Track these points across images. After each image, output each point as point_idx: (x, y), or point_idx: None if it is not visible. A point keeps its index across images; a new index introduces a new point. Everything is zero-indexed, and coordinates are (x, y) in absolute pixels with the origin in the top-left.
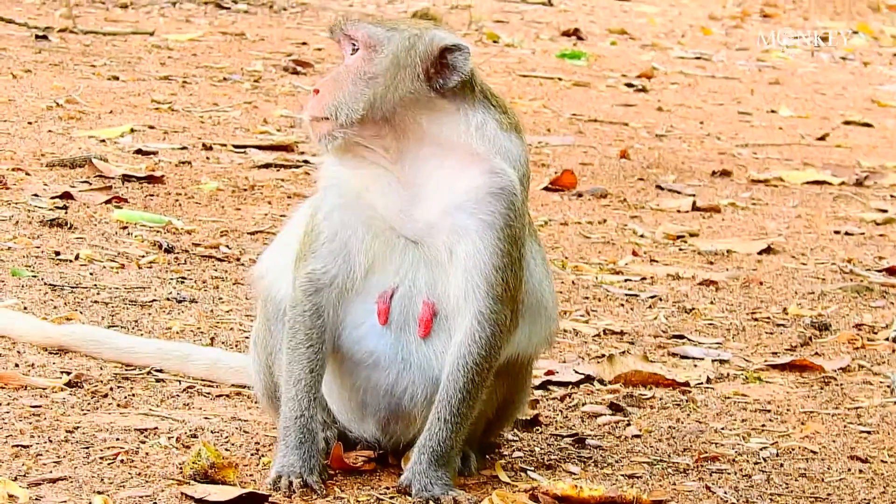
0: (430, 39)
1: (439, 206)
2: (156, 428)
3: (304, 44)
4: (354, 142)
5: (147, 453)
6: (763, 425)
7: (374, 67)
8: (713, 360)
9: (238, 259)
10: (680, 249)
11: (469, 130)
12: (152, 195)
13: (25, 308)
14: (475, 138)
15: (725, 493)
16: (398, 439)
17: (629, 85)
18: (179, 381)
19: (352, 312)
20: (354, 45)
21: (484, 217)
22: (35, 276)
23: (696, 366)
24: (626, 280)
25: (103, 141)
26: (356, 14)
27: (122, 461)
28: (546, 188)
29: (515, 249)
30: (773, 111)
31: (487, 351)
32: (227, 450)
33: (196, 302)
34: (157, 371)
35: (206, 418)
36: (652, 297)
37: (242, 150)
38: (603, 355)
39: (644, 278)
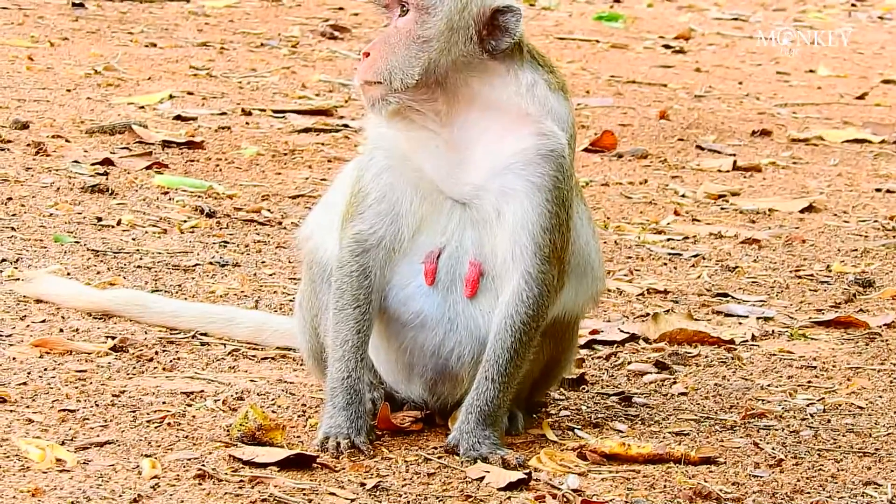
0: (483, 1)
1: (488, 168)
2: (202, 391)
3: (340, 9)
4: (406, 105)
5: (194, 416)
6: (809, 382)
7: (427, 30)
8: (758, 318)
9: (280, 223)
10: (722, 209)
11: (520, 91)
12: (192, 160)
13: (69, 274)
14: (526, 99)
15: (773, 448)
16: (445, 400)
17: (667, 46)
18: (224, 345)
19: (398, 273)
20: (404, 6)
21: (533, 179)
22: (77, 242)
23: (740, 323)
24: (668, 239)
25: (142, 107)
26: None
27: (169, 424)
28: (586, 149)
29: (563, 211)
30: (811, 71)
31: (535, 310)
32: (273, 412)
33: (239, 266)
34: (201, 335)
35: (251, 381)
36: (695, 256)
37: (282, 114)
38: (647, 314)
39: (686, 237)
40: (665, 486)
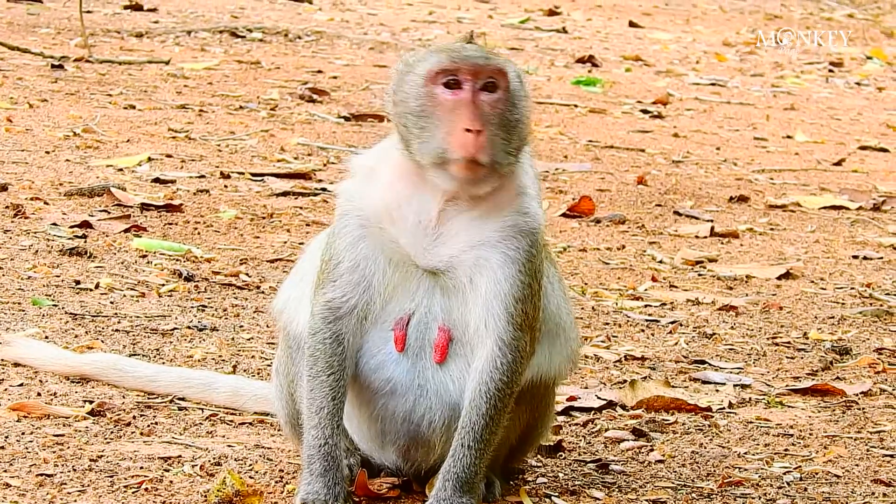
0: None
1: (465, 242)
2: (179, 456)
3: (319, 72)
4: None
5: (171, 481)
6: (786, 449)
7: (518, 114)
8: (735, 385)
9: (258, 287)
10: (699, 275)
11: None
12: (171, 223)
13: (46, 337)
14: (518, 172)
15: None
16: (419, 466)
17: (645, 111)
18: (202, 409)
19: (368, 341)
20: (493, 83)
21: (508, 252)
22: (55, 305)
23: (717, 391)
24: (645, 306)
25: (121, 170)
26: (484, 48)
27: (146, 489)
28: (564, 214)
29: (535, 282)
30: (788, 137)
31: (509, 377)
32: (251, 477)
33: (217, 330)
34: (179, 399)
35: (229, 446)
36: (672, 323)
37: (260, 178)
38: (625, 381)
39: (664, 304)
40: None
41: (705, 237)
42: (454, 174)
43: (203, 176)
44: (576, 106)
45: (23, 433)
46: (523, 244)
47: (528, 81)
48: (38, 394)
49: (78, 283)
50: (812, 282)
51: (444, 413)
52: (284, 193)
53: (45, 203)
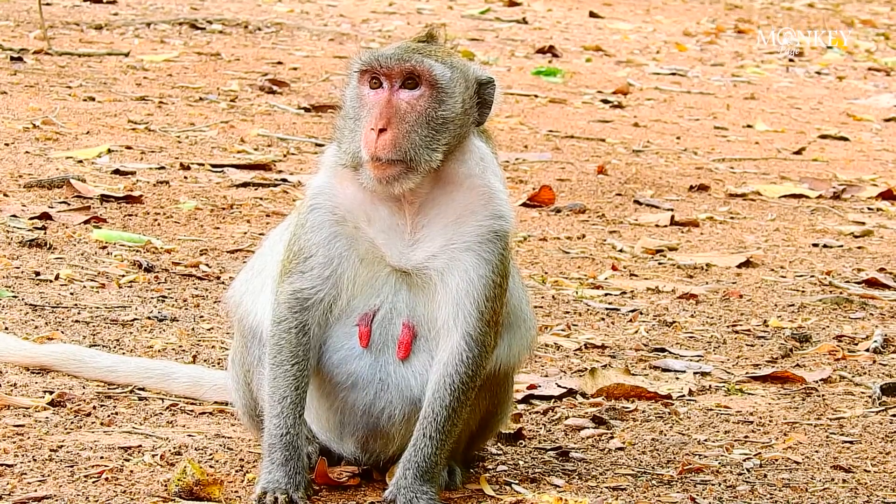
0: (475, 76)
1: (441, 244)
2: (140, 446)
3: (279, 63)
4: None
5: (131, 471)
6: (746, 436)
7: (444, 111)
8: (695, 373)
9: (218, 277)
10: (659, 263)
11: (482, 164)
12: (131, 215)
13: (6, 328)
14: (488, 174)
15: (710, 503)
16: (377, 457)
17: (605, 101)
18: (162, 399)
19: (333, 335)
20: (413, 80)
21: (483, 254)
22: (15, 297)
23: (677, 378)
24: (606, 294)
25: (81, 162)
26: (404, 46)
27: (106, 479)
28: (524, 204)
29: (505, 281)
30: (749, 126)
31: (474, 370)
32: (211, 466)
33: (177, 320)
34: (139, 389)
35: (189, 435)
36: (632, 311)
37: (220, 169)
38: (585, 369)
39: (624, 292)
40: None
41: (665, 226)
42: (370, 174)
43: (163, 167)
44: (536, 96)
45: None
46: (497, 247)
47: (497, 86)
48: None
49: (38, 274)
50: (772, 270)
51: (404, 407)
52: (244, 184)
53: (5, 195)
